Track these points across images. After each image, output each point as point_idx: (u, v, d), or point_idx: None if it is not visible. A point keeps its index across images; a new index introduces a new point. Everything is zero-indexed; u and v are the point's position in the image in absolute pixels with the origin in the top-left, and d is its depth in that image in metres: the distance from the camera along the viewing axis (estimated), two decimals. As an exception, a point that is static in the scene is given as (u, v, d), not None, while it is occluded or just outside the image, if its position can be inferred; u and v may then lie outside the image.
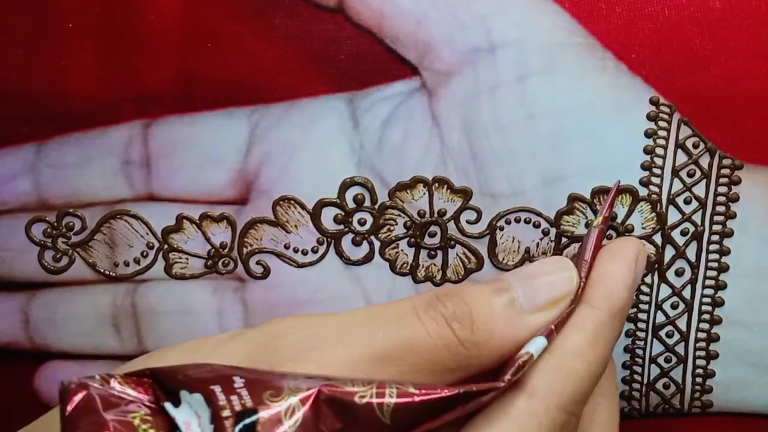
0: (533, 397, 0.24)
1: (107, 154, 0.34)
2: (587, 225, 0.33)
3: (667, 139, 0.33)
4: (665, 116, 0.33)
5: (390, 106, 0.34)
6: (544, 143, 0.33)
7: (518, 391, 0.25)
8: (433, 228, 0.34)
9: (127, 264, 0.35)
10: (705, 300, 0.34)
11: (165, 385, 0.23)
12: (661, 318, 0.34)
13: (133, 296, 0.35)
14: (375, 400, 0.22)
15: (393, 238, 0.34)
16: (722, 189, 0.33)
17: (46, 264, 0.35)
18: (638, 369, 0.35)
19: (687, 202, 0.34)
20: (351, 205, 0.34)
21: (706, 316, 0.34)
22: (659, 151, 0.33)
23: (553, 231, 0.34)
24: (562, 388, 0.25)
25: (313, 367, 0.24)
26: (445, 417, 0.23)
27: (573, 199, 0.33)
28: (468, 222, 0.34)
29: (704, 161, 0.33)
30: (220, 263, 0.35)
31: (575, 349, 0.25)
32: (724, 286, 0.34)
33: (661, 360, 0.35)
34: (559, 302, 0.26)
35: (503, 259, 0.34)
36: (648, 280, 0.34)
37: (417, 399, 0.22)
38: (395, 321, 0.25)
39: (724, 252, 0.34)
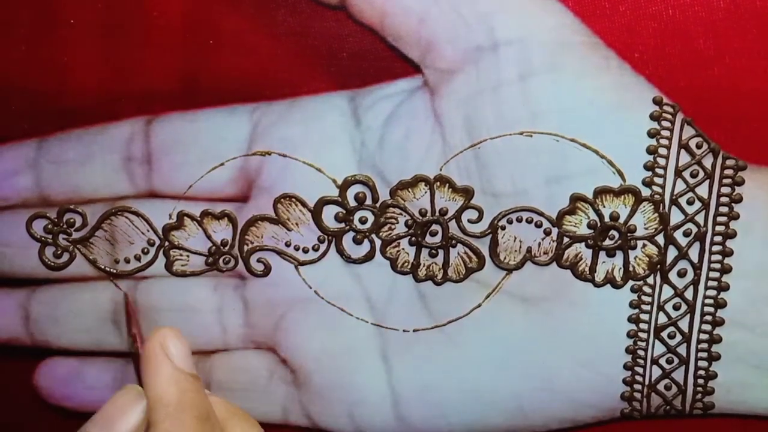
0: None
1: (109, 151, 0.34)
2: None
3: (670, 139, 0.33)
4: (668, 116, 0.33)
5: (392, 104, 0.33)
6: (546, 142, 0.33)
7: None
8: (435, 227, 0.34)
9: (127, 261, 0.35)
10: (707, 301, 0.34)
11: None
12: (663, 319, 0.34)
13: (134, 293, 0.35)
14: None
15: (394, 237, 0.34)
16: (725, 190, 0.33)
17: (46, 260, 0.35)
18: (640, 370, 0.35)
19: (690, 202, 0.33)
20: (352, 203, 0.34)
21: (709, 318, 0.34)
22: (662, 151, 0.33)
23: (555, 231, 0.34)
24: None
25: None
26: None
27: (575, 198, 0.33)
28: (469, 221, 0.34)
29: (707, 162, 0.33)
30: (220, 261, 0.35)
31: None
32: (726, 288, 0.34)
33: (662, 361, 0.35)
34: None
35: (505, 258, 0.34)
36: (650, 280, 0.34)
37: None
38: None
39: (727, 253, 0.34)
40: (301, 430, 0.37)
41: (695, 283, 0.34)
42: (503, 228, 0.34)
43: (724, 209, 0.33)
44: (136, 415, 0.28)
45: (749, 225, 0.33)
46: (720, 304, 0.34)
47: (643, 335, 0.34)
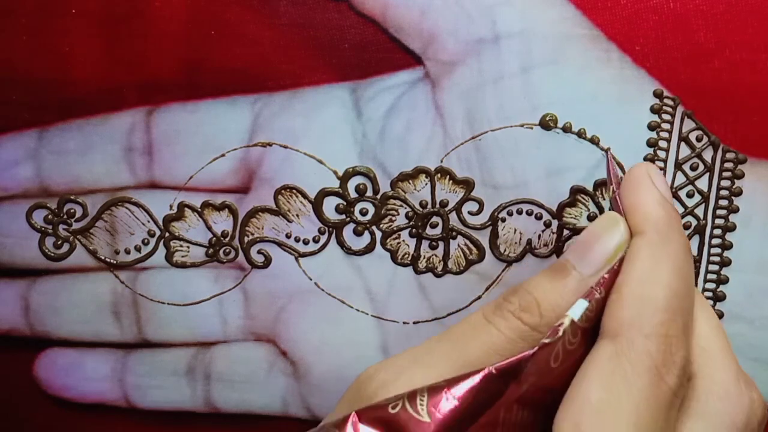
0: (616, 337, 0.24)
1: (109, 141, 0.34)
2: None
3: (670, 131, 0.33)
4: (669, 109, 0.33)
5: (393, 96, 0.33)
6: (547, 135, 0.33)
7: (602, 341, 0.25)
8: (435, 219, 0.34)
9: (128, 252, 0.35)
10: (707, 294, 0.34)
11: None
12: (662, 312, 0.34)
13: (134, 284, 0.35)
14: (408, 405, 0.23)
15: (394, 229, 0.34)
16: (725, 183, 0.33)
17: (46, 251, 0.35)
18: (639, 363, 0.35)
19: (690, 195, 0.33)
20: (353, 194, 0.34)
21: (708, 311, 0.34)
22: (662, 143, 0.33)
23: (555, 223, 0.34)
24: (640, 316, 0.25)
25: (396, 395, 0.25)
26: (502, 398, 0.23)
27: (575, 191, 0.33)
28: (470, 213, 0.34)
29: (707, 155, 0.33)
30: (221, 252, 0.35)
31: (640, 277, 0.25)
32: (726, 281, 0.34)
33: (662, 354, 0.35)
34: (615, 256, 0.27)
35: (505, 250, 0.34)
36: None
37: (448, 390, 0.23)
38: (470, 333, 0.26)
39: (727, 246, 0.34)
40: (301, 422, 0.37)
41: (695, 276, 0.34)
42: (503, 220, 0.34)
43: (723, 202, 0.33)
44: (616, 237, 0.27)
45: (749, 218, 0.34)
46: (719, 297, 0.34)
47: (643, 328, 0.34)
